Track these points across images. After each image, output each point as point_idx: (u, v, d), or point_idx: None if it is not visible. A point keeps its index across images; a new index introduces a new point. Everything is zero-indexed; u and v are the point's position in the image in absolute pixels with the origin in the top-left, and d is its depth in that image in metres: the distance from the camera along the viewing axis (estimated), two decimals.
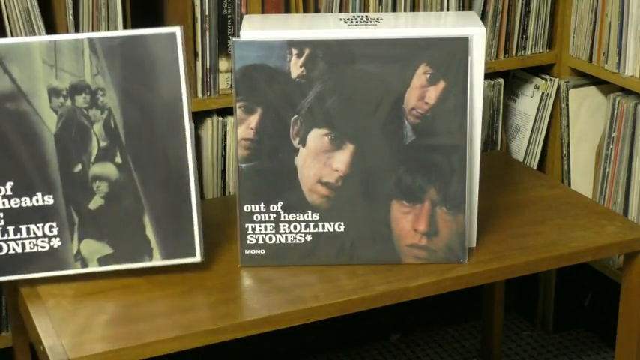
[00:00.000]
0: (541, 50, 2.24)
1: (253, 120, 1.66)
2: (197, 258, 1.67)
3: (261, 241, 1.71)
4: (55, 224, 1.62)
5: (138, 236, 1.65)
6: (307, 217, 1.70)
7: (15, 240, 1.62)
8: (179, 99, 1.62)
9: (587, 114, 2.23)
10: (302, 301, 1.61)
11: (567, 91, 2.20)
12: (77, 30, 1.82)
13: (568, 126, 2.23)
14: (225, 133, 2.00)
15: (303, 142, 1.67)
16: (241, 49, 1.63)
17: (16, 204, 1.60)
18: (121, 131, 1.62)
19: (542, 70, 2.27)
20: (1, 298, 1.96)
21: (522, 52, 2.22)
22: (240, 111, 1.66)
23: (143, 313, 1.57)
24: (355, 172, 1.68)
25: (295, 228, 1.70)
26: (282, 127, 1.66)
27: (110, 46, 1.59)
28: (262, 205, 1.69)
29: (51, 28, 1.82)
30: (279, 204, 1.69)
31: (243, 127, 1.66)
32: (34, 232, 1.62)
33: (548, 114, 2.25)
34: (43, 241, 1.63)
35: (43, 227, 1.62)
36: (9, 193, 1.60)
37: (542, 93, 2.24)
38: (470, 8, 2.14)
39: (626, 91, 2.11)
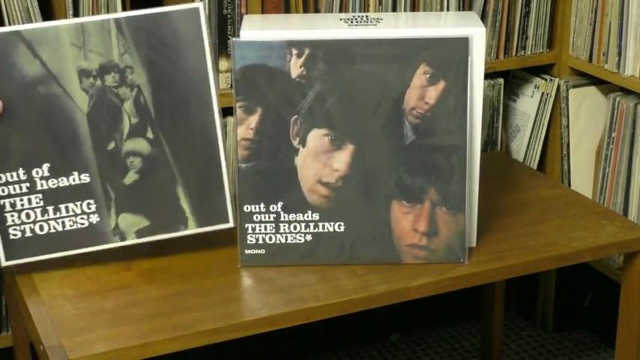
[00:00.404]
0: (541, 50, 2.25)
1: (253, 120, 1.66)
2: (230, 223, 1.71)
3: (261, 241, 1.71)
4: (92, 201, 1.66)
5: (173, 207, 1.69)
6: (307, 217, 1.70)
7: (55, 219, 1.65)
8: (205, 71, 1.66)
9: (587, 114, 2.23)
10: (302, 301, 1.61)
11: (567, 91, 2.20)
12: None
13: (568, 126, 2.23)
14: (225, 133, 2.00)
15: (303, 142, 1.67)
16: (241, 49, 1.63)
17: (53, 184, 1.64)
18: (151, 107, 1.65)
19: (542, 70, 2.27)
20: (2, 298, 1.96)
21: (522, 52, 2.22)
22: (240, 111, 1.66)
23: (143, 313, 1.57)
24: (355, 172, 1.68)
25: (295, 228, 1.70)
26: (282, 127, 1.66)
27: (136, 24, 1.62)
28: (262, 205, 1.69)
29: None
30: (279, 204, 1.69)
31: (243, 127, 1.66)
32: (73, 210, 1.65)
33: (548, 114, 2.25)
34: (82, 218, 1.66)
35: (81, 205, 1.65)
36: (46, 174, 1.63)
37: (542, 93, 2.24)
38: (470, 8, 2.14)
39: (626, 91, 2.11)
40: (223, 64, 1.96)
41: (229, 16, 1.94)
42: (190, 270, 1.69)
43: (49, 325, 1.54)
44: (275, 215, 1.70)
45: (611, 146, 2.13)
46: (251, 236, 1.70)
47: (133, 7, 1.88)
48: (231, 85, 1.68)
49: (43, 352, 1.49)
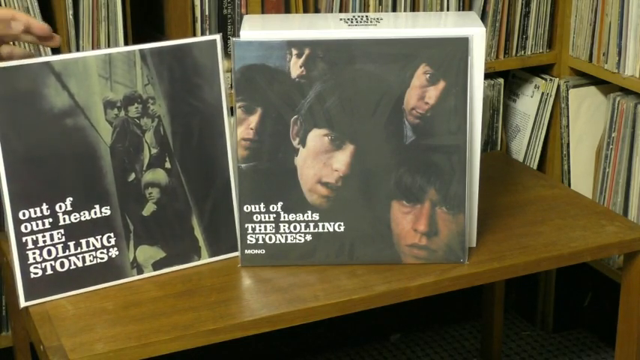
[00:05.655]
0: (541, 50, 2.25)
1: (253, 120, 1.66)
2: (238, 252, 1.71)
3: (261, 241, 1.71)
4: (112, 234, 1.64)
5: (187, 237, 1.69)
6: (307, 217, 1.70)
7: (75, 255, 1.62)
8: (219, 101, 1.68)
9: (587, 114, 2.23)
10: (302, 301, 1.61)
11: (567, 91, 2.20)
12: (77, 29, 1.82)
13: (568, 126, 2.23)
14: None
15: (303, 142, 1.67)
16: (241, 49, 1.63)
17: (75, 219, 1.61)
18: (170, 137, 1.66)
19: (542, 70, 2.27)
20: (2, 298, 1.96)
21: (522, 52, 2.22)
22: (240, 111, 1.66)
23: (143, 313, 1.57)
24: (355, 172, 1.68)
25: (295, 228, 1.70)
26: (282, 127, 1.66)
27: (159, 55, 1.63)
28: (262, 205, 1.69)
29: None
30: (279, 204, 1.69)
31: (243, 127, 1.66)
32: (93, 245, 1.63)
33: (548, 114, 2.25)
34: (101, 253, 1.64)
35: (101, 239, 1.63)
36: (69, 208, 1.60)
37: (542, 93, 2.24)
38: (470, 8, 2.14)
39: (626, 91, 2.11)
40: (223, 64, 1.95)
41: (229, 16, 1.94)
42: (190, 270, 1.69)
43: (50, 326, 1.54)
44: (275, 215, 1.70)
45: (611, 146, 2.13)
46: (251, 236, 1.70)
47: (133, 7, 1.88)
48: (231, 85, 1.68)
49: (43, 352, 1.49)
